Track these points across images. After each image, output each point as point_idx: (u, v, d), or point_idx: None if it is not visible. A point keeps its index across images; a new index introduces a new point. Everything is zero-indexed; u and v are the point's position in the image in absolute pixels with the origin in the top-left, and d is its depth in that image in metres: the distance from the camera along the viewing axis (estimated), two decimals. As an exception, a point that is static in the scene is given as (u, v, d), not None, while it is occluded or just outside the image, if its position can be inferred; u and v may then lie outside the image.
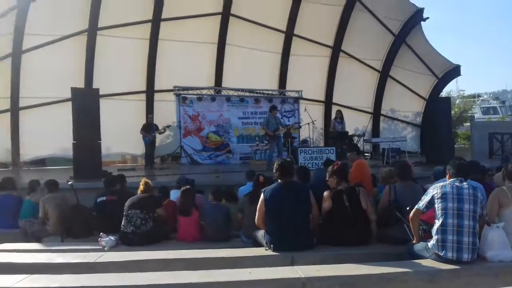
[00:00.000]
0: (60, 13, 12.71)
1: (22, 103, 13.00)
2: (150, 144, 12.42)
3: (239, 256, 4.62)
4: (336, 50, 15.91)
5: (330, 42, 15.86)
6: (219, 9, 14.51)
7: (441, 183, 4.33)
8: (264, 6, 14.52)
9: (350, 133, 14.22)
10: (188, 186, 5.96)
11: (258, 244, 4.95)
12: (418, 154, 16.29)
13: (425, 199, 4.30)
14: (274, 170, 4.95)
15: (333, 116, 14.35)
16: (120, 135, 13.09)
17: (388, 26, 15.68)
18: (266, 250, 4.70)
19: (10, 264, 4.36)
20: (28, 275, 3.83)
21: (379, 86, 16.77)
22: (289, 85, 15.57)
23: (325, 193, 5.00)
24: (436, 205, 4.17)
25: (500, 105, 43.17)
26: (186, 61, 14.35)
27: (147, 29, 13.97)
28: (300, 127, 13.99)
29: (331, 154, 10.54)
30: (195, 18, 14.24)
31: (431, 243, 4.17)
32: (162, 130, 12.74)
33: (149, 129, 12.33)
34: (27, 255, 4.70)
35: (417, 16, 15.54)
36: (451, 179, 4.30)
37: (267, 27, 15.02)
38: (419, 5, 15.46)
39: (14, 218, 6.41)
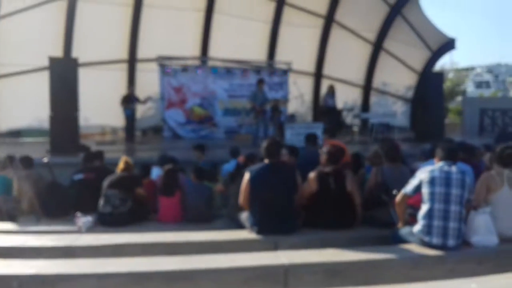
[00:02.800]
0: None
1: (-2, 71, 12.52)
2: (131, 116, 12.11)
3: (222, 239, 4.53)
4: (329, 20, 15.42)
5: (323, 12, 15.36)
6: (208, -25, 13.91)
7: (429, 167, 4.25)
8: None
9: (339, 107, 14.06)
10: (171, 166, 5.77)
11: (241, 226, 4.86)
12: (408, 130, 16.21)
13: (412, 183, 4.25)
14: (261, 150, 4.81)
15: (324, 90, 14.06)
16: (99, 106, 12.62)
17: (384, -5, 15.22)
18: (250, 233, 4.62)
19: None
20: (2, 259, 3.74)
21: (372, 58, 16.39)
22: (279, 56, 15.15)
23: (311, 175, 4.89)
24: (423, 190, 4.12)
25: (493, 79, 43.30)
26: (171, 30, 13.79)
27: (130, -6, 13.39)
28: (287, 101, 13.76)
29: (318, 130, 10.35)
30: (182, -17, 13.67)
31: (416, 228, 4.13)
32: (144, 101, 12.41)
33: (129, 101, 11.99)
34: (1, 237, 4.56)
35: (415, -14, 15.12)
36: (439, 163, 4.23)
37: (257, -6, 14.49)
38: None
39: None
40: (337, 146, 5.11)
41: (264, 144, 4.83)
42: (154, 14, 13.58)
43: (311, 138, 6.99)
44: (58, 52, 12.28)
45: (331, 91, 13.11)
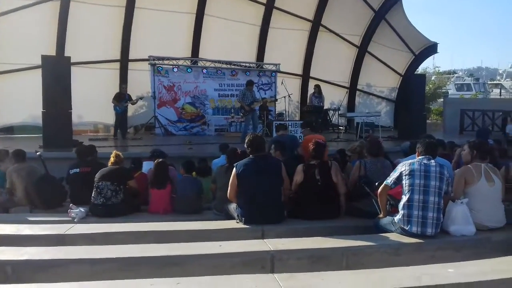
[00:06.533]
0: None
1: (-10, 69, 12.56)
2: (121, 114, 12.23)
3: (210, 229, 4.66)
4: (316, 24, 15.80)
5: (311, 16, 15.73)
6: (200, -22, 14.09)
7: (410, 161, 4.43)
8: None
9: (325, 107, 14.31)
10: (161, 159, 5.92)
11: (230, 217, 5.00)
12: (391, 129, 16.60)
13: (393, 175, 4.40)
14: (245, 146, 4.96)
15: (311, 90, 14.34)
16: (92, 104, 12.85)
17: (369, 1, 15.60)
18: (238, 223, 4.76)
19: (-25, 235, 4.26)
20: (-4, 247, 3.76)
21: (357, 61, 16.85)
22: (267, 58, 15.45)
23: (298, 167, 5.09)
24: (403, 181, 4.28)
25: (474, 82, 43.81)
26: (163, 31, 14.00)
27: (123, -4, 13.51)
28: (276, 100, 13.99)
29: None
30: (174, -14, 13.84)
31: (397, 217, 4.29)
32: (135, 101, 12.59)
33: (121, 99, 12.12)
34: (-7, 226, 4.60)
35: (398, -8, 15.51)
36: (419, 157, 4.41)
37: (247, -2, 14.73)
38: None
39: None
40: (318, 143, 5.25)
41: (247, 139, 4.98)
42: (146, 15, 13.77)
43: (281, 126, 7.98)
44: (52, 52, 12.36)
45: (317, 91, 13.39)
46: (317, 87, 13.56)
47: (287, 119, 13.44)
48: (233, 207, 4.92)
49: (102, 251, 3.78)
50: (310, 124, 7.68)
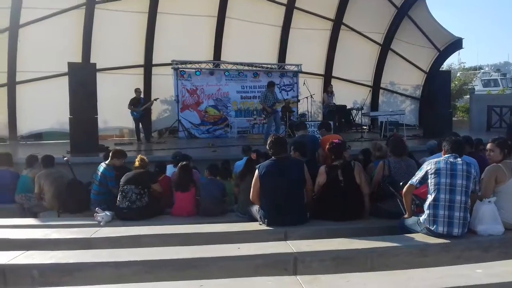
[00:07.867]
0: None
1: (19, 77, 12.97)
2: (139, 119, 12.34)
3: (233, 231, 4.67)
4: (337, 23, 15.72)
5: (332, 15, 15.66)
6: (220, -19, 14.23)
7: (435, 159, 4.35)
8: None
9: (348, 107, 14.20)
10: (185, 162, 5.96)
11: (253, 219, 5.00)
12: (416, 127, 16.31)
13: (418, 174, 4.32)
14: (267, 147, 4.96)
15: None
16: (118, 109, 13.04)
17: (391, -2, 15.41)
18: (260, 224, 4.75)
19: (6, 240, 4.39)
20: (24, 251, 3.85)
21: (380, 59, 16.66)
22: (289, 59, 15.44)
23: (321, 168, 5.06)
24: (429, 181, 4.19)
25: (501, 77, 42.46)
26: (185, 35, 14.21)
27: (145, 2, 13.78)
28: (298, 101, 13.95)
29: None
30: (195, -10, 14.00)
31: (422, 217, 4.21)
32: (150, 103, 12.72)
33: (137, 104, 12.26)
34: (23, 231, 4.74)
35: (421, -13, 15.27)
36: (445, 155, 4.31)
37: (268, -1, 14.77)
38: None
39: (11, 193, 6.43)
40: (334, 144, 5.20)
41: (269, 141, 4.97)
42: (168, 20, 14.01)
43: (301, 126, 7.56)
44: (78, 59, 12.70)
45: (331, 90, 13.48)
46: (331, 86, 13.69)
47: (309, 120, 13.36)
48: (255, 209, 4.92)
49: (126, 254, 3.82)
50: (326, 125, 7.63)
